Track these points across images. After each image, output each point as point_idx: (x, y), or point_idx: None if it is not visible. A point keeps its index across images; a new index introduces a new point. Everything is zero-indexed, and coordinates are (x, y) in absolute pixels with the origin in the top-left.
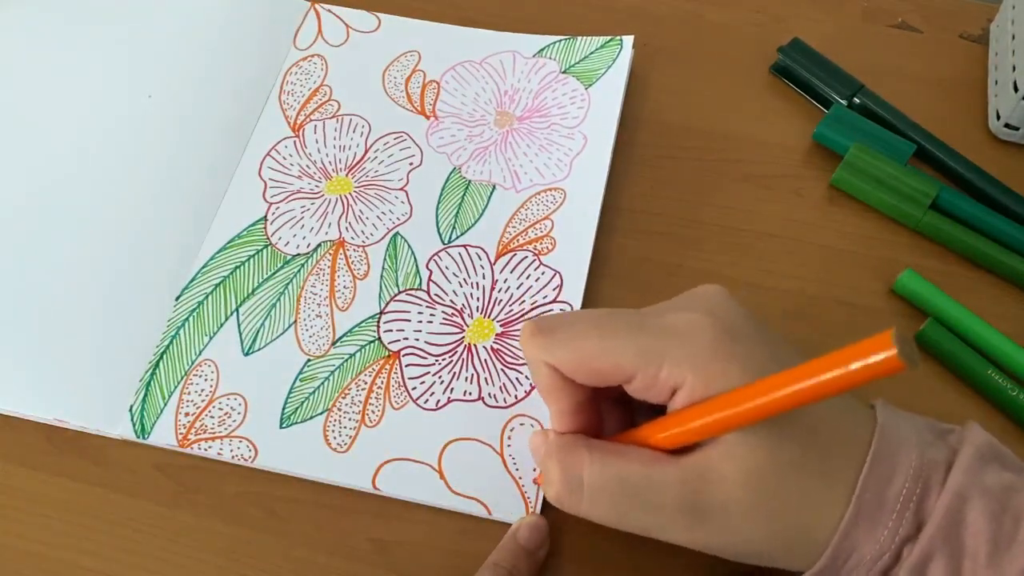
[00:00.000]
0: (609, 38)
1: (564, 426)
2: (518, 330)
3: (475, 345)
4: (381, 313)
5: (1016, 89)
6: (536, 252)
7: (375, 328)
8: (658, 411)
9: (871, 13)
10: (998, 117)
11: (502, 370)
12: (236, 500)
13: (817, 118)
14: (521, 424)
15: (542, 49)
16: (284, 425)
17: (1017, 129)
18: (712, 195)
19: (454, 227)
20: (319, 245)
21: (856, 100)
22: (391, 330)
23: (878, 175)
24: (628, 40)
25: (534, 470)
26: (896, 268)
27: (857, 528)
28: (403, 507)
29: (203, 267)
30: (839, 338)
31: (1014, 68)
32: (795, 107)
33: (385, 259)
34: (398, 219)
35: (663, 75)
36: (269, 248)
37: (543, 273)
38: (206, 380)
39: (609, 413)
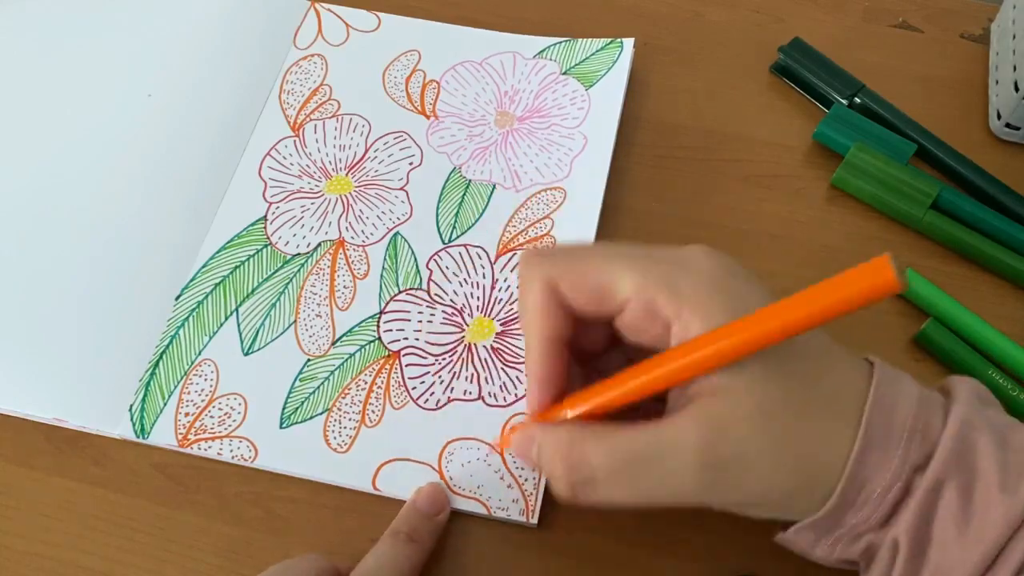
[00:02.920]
0: (609, 40)
1: (536, 362)
2: (518, 329)
3: (475, 344)
4: (381, 313)
5: (1017, 89)
6: None
7: (375, 328)
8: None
9: (872, 13)
10: (999, 117)
11: (502, 369)
12: (236, 500)
13: (817, 118)
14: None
15: (542, 50)
16: (284, 425)
17: (1018, 129)
18: (712, 195)
19: (454, 227)
20: (319, 245)
21: (856, 100)
22: (391, 330)
23: (878, 175)
24: (629, 42)
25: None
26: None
27: (869, 456)
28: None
29: (203, 267)
30: (840, 338)
31: (1015, 68)
32: (795, 107)
33: (385, 259)
34: (398, 219)
35: (663, 75)
36: (269, 248)
37: None
38: (206, 380)
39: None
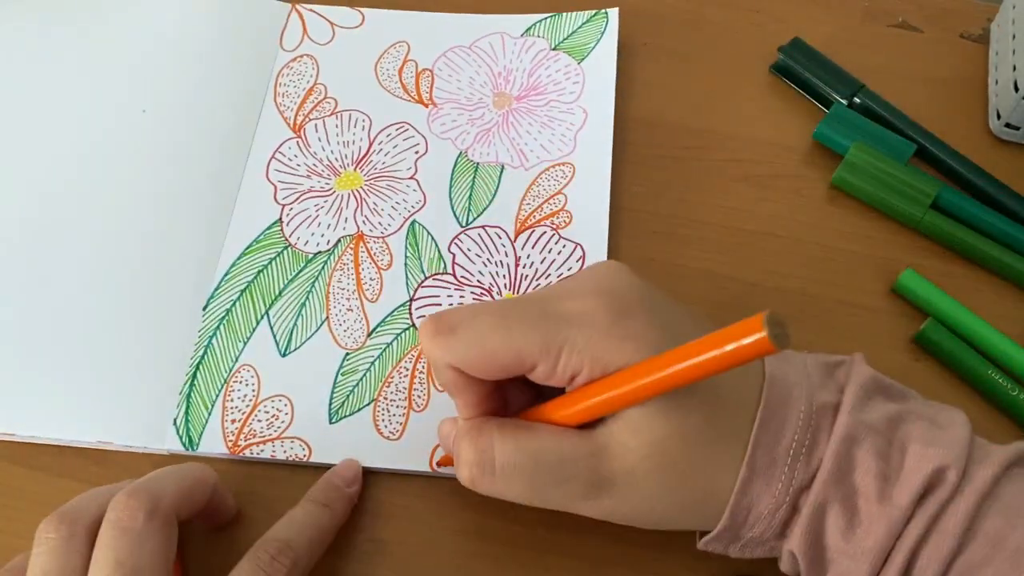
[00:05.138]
0: (594, 12)
1: (471, 415)
2: None
3: None
4: (411, 300)
5: (1016, 89)
6: (554, 226)
7: (408, 315)
8: (562, 390)
9: (871, 13)
10: (998, 117)
11: None
12: (236, 500)
13: (817, 118)
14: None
15: (529, 28)
16: (333, 420)
17: (1017, 129)
18: (712, 195)
19: (469, 209)
20: (339, 240)
21: (856, 100)
22: (424, 315)
23: (878, 175)
24: (613, 12)
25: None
26: (896, 268)
27: (752, 486)
28: (403, 507)
29: (226, 275)
30: (839, 338)
31: (1014, 68)
32: (795, 107)
33: (407, 247)
34: (413, 207)
35: (663, 75)
36: (289, 249)
37: (564, 246)
38: (247, 385)
39: (515, 393)
